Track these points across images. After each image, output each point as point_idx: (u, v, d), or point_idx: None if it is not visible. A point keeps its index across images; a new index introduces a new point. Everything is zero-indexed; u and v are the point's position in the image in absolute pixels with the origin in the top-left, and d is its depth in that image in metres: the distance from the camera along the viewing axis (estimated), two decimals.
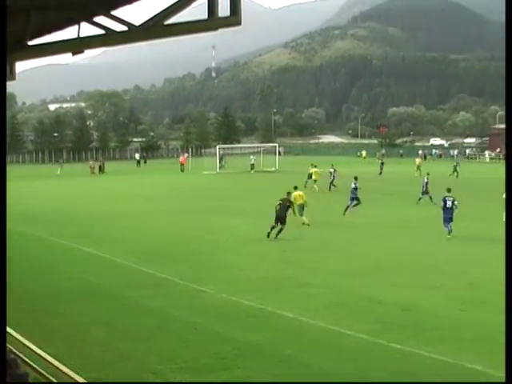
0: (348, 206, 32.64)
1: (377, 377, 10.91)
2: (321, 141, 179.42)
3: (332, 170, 47.06)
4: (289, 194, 26.58)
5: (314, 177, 46.20)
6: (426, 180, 37.49)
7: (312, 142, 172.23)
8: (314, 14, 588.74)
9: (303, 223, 28.07)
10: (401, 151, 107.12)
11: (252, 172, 67.29)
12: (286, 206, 25.49)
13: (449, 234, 25.32)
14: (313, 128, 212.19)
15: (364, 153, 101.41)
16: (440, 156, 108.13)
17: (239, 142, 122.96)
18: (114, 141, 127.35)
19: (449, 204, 25.57)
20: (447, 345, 12.48)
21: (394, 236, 26.42)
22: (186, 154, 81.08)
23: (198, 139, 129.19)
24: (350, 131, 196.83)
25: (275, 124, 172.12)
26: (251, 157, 70.59)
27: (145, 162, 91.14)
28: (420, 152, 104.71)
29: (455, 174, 58.72)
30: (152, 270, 19.40)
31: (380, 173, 61.64)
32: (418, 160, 66.97)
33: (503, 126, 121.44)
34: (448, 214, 25.55)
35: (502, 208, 18.50)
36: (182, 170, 71.33)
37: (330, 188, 45.76)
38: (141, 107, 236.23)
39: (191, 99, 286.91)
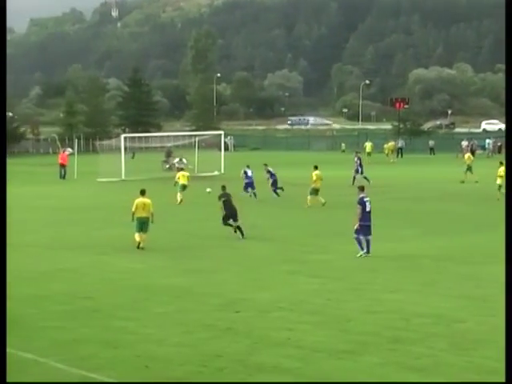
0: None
1: None
2: (295, 126, 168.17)
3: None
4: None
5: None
6: None
7: (281, 127, 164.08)
8: None
9: None
10: (431, 142, 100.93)
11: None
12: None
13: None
14: (282, 105, 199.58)
15: (369, 145, 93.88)
16: (500, 151, 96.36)
17: (160, 129, 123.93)
18: None
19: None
20: None
21: None
22: (68, 149, 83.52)
23: (90, 123, 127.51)
24: (346, 110, 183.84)
25: (220, 98, 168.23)
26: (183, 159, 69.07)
27: None
28: (464, 143, 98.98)
29: None
30: None
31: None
32: (466, 156, 65.71)
33: None
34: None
35: None
36: (63, 176, 70.78)
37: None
38: None
39: (76, 55, 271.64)
